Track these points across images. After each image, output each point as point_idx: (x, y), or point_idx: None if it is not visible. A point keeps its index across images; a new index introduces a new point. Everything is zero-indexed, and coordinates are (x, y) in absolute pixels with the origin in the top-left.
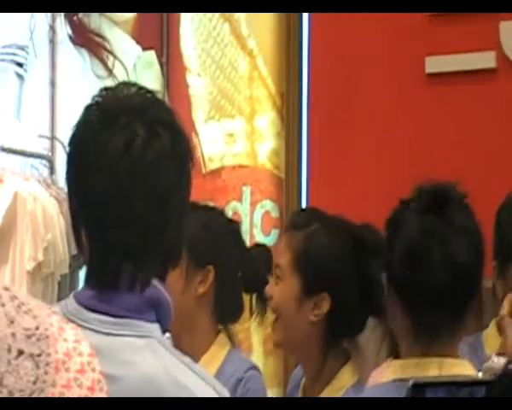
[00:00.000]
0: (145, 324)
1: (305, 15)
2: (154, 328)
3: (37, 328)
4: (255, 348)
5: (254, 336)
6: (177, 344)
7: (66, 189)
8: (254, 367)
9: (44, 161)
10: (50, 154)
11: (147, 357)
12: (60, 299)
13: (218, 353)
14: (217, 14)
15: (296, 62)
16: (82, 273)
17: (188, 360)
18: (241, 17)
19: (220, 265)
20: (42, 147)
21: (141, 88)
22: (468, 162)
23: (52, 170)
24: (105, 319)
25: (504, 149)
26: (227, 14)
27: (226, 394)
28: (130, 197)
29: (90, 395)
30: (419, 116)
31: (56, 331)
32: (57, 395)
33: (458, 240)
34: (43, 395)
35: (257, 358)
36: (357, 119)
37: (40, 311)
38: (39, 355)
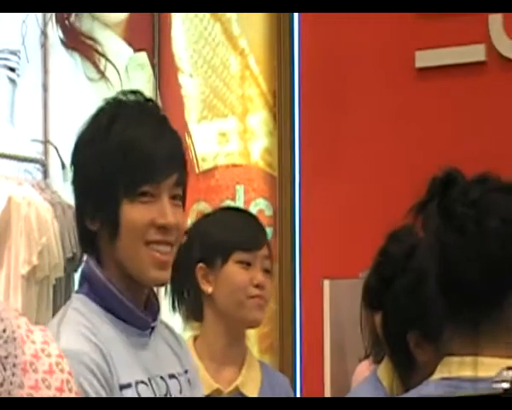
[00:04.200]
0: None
1: (296, 14)
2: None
3: (4, 330)
4: (251, 346)
5: (250, 334)
6: None
7: (59, 192)
8: None
9: (38, 165)
10: (44, 158)
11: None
12: (55, 303)
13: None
14: (207, 15)
15: (287, 61)
16: (77, 276)
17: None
18: (232, 17)
19: None
20: (35, 151)
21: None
22: (459, 155)
23: (45, 174)
24: None
25: (495, 141)
26: (218, 14)
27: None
28: None
29: (58, 395)
30: (410, 111)
31: (24, 333)
32: (25, 395)
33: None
34: (11, 395)
35: None
36: (349, 115)
37: (8, 313)
38: (6, 357)
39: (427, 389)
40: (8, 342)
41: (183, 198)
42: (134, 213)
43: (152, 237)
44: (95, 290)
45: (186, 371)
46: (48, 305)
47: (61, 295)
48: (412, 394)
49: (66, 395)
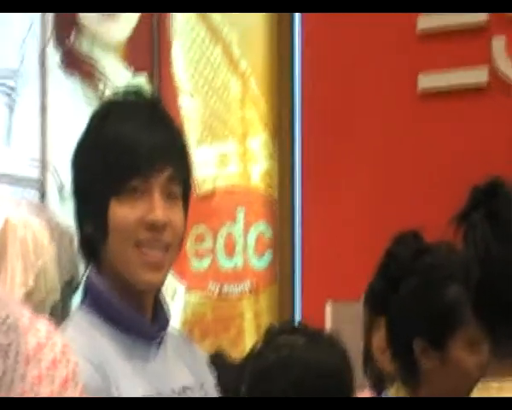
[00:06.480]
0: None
1: (297, 36)
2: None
3: (7, 317)
4: None
5: None
6: None
7: (56, 215)
8: None
9: (35, 187)
10: (41, 179)
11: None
12: None
13: None
14: (209, 35)
15: (288, 84)
16: (74, 300)
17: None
18: (232, 38)
19: None
20: (33, 172)
21: None
22: (462, 178)
23: (43, 196)
24: None
25: (497, 165)
26: (219, 34)
27: None
28: None
29: (62, 389)
30: (412, 133)
31: (28, 322)
32: (27, 388)
33: None
34: (12, 387)
35: None
36: (350, 139)
37: (11, 300)
38: (9, 345)
39: None
40: (11, 329)
41: (184, 197)
42: (122, 212)
43: (141, 236)
44: (94, 301)
45: (202, 385)
46: None
47: (57, 318)
48: None
49: (71, 388)
